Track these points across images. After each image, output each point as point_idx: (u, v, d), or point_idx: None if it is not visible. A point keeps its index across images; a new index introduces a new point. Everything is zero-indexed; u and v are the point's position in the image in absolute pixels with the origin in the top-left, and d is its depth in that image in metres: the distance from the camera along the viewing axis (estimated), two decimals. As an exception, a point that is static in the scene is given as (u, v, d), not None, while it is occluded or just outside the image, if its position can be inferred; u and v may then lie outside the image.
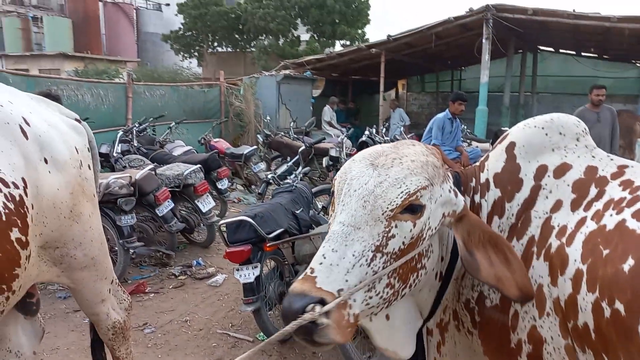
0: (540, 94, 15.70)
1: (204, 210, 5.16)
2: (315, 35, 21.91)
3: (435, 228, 1.30)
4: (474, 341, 1.49)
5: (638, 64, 14.78)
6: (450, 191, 1.32)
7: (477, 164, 1.57)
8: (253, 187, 7.61)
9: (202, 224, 5.43)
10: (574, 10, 9.43)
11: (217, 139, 8.23)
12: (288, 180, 4.23)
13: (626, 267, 1.10)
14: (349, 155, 6.75)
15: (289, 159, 6.06)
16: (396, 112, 12.48)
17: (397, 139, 8.53)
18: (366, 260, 1.17)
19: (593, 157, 1.39)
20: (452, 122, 6.31)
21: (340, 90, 15.46)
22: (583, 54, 14.80)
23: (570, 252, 1.23)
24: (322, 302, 1.08)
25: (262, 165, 7.57)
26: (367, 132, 8.20)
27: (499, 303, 1.37)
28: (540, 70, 15.68)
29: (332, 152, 7.13)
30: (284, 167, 4.90)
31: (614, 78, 14.44)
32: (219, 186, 6.03)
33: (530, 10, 9.73)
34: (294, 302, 1.09)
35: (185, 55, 23.48)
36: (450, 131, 6.33)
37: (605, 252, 1.16)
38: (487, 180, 1.47)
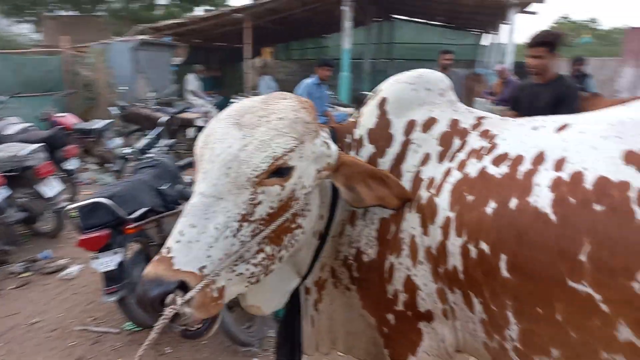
0: (397, 61, 16.77)
1: (48, 196, 4.47)
2: (173, 0, 20.39)
3: (310, 186, 1.25)
4: (352, 297, 1.51)
5: (474, 32, 16.56)
6: (322, 145, 1.27)
7: (352, 119, 1.55)
8: (109, 165, 6.86)
9: (47, 212, 4.72)
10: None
11: (62, 114, 7.19)
12: (150, 155, 3.83)
13: (489, 210, 1.17)
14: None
15: (149, 132, 5.55)
16: (264, 79, 12.27)
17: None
18: (231, 231, 1.11)
19: (455, 110, 1.44)
20: (319, 88, 6.35)
21: (205, 58, 14.73)
22: (433, 22, 16.09)
23: (439, 201, 1.28)
24: (183, 286, 1.03)
25: (119, 141, 6.80)
26: (234, 101, 7.89)
27: (376, 257, 1.39)
28: (396, 38, 16.71)
29: (198, 123, 6.71)
30: (144, 141, 4.45)
31: (456, 45, 16.02)
32: (67, 167, 5.27)
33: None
34: (149, 289, 1.02)
35: (18, 19, 20.15)
36: (318, 96, 6.35)
37: (470, 198, 1.22)
38: (361, 136, 1.47)
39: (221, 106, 9.16)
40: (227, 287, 1.13)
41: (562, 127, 1.21)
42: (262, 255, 1.19)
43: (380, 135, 1.44)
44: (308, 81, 6.31)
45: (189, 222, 1.09)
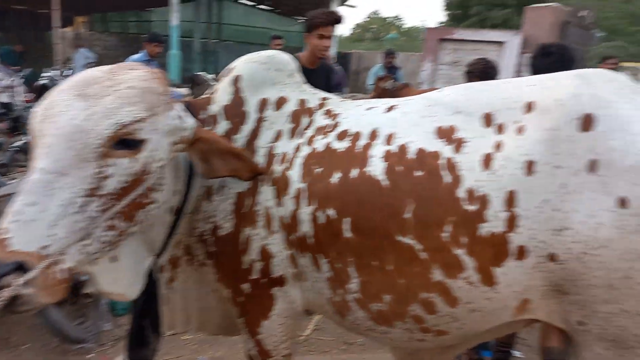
0: (227, 42, 16.61)
1: None
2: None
3: (165, 159, 1.25)
4: (206, 272, 1.56)
5: (301, 20, 17.36)
6: (176, 118, 1.28)
7: (207, 96, 1.58)
8: None
9: None
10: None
11: None
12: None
13: (334, 180, 1.36)
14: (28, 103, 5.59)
15: None
16: (80, 52, 10.92)
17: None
18: (77, 207, 1.07)
19: (302, 91, 1.59)
20: (149, 65, 5.95)
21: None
22: (260, 7, 16.30)
23: (290, 174, 1.42)
24: (22, 267, 0.97)
25: None
26: (48, 74, 6.91)
27: (233, 230, 1.46)
28: (225, 19, 16.48)
29: (2, 98, 5.73)
30: None
31: (284, 31, 16.60)
32: None
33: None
34: None
35: None
36: (147, 74, 6.00)
37: (318, 170, 1.40)
38: (216, 112, 1.51)
39: (30, 80, 7.91)
40: (76, 267, 1.10)
41: (390, 108, 1.46)
42: (113, 232, 1.16)
43: (235, 112, 1.50)
44: (135, 57, 5.88)
45: (28, 200, 1.03)
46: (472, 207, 1.23)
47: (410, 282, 1.31)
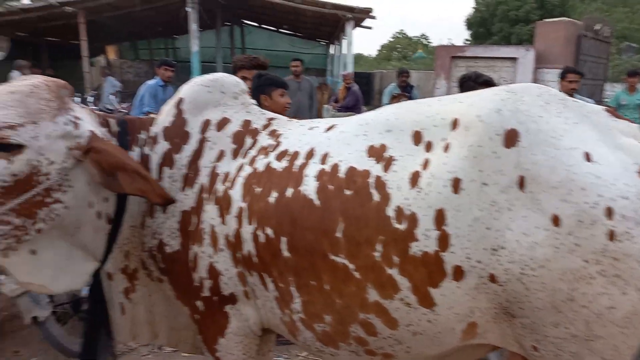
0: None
1: None
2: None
3: (63, 162, 1.30)
4: (166, 288, 1.59)
5: (322, 42, 17.65)
6: (67, 124, 1.32)
7: (151, 117, 1.63)
8: None
9: None
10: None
11: None
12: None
13: (272, 199, 1.38)
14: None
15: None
16: (108, 80, 11.44)
17: (110, 109, 7.88)
18: None
19: (248, 112, 1.61)
20: (165, 90, 6.20)
21: (33, 54, 13.11)
22: (281, 30, 16.70)
23: (233, 194, 1.45)
24: None
25: None
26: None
27: (180, 248, 1.49)
28: (248, 44, 16.92)
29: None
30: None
31: (307, 54, 16.89)
32: None
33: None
34: None
35: None
36: (162, 98, 6.20)
37: (258, 189, 1.41)
38: (156, 133, 1.55)
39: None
40: None
41: (330, 128, 1.46)
42: (8, 226, 1.25)
43: (176, 132, 1.53)
44: (151, 82, 6.12)
45: None
46: (401, 226, 1.21)
47: (348, 302, 1.30)
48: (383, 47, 40.37)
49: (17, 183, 1.23)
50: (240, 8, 12.94)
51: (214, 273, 1.46)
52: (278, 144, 1.49)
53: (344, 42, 11.79)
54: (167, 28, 15.48)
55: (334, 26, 12.44)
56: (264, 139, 1.53)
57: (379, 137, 1.33)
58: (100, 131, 1.43)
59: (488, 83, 3.10)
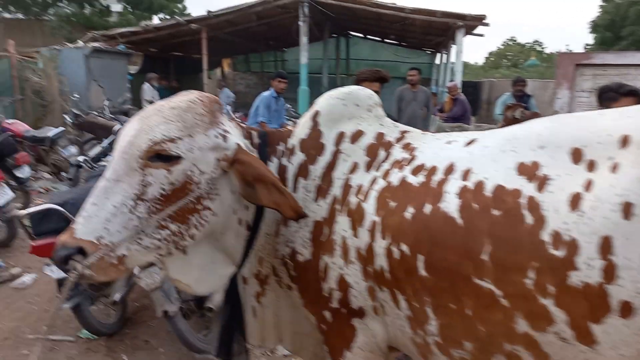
0: (354, 77, 17.15)
1: (-1, 204, 4.38)
2: (128, 7, 20.04)
3: (212, 172, 1.38)
4: (294, 295, 1.61)
5: (428, 51, 17.30)
6: (218, 137, 1.41)
7: (289, 129, 1.68)
8: (63, 174, 6.71)
9: (-1, 220, 4.61)
10: (376, 0, 10.56)
11: (11, 120, 6.99)
12: (103, 163, 3.86)
13: (408, 215, 1.33)
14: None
15: (104, 140, 5.51)
16: (223, 91, 12.33)
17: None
18: (128, 208, 1.28)
19: (381, 125, 1.60)
20: (277, 100, 6.50)
21: (161, 67, 14.57)
22: (386, 40, 16.68)
23: (366, 207, 1.42)
24: (81, 250, 1.22)
25: (73, 149, 6.70)
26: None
27: (311, 257, 1.50)
28: (352, 54, 17.18)
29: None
30: (97, 149, 4.44)
31: (411, 63, 16.67)
32: (18, 174, 5.16)
33: (339, -4, 10.55)
34: (56, 252, 1.24)
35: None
36: (275, 109, 6.52)
37: (393, 204, 1.38)
38: (294, 145, 1.59)
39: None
40: (131, 256, 1.30)
41: (470, 142, 1.37)
42: (166, 231, 1.33)
43: (312, 144, 1.55)
44: (266, 94, 6.45)
45: (91, 201, 1.29)
46: (558, 253, 1.09)
47: (492, 330, 1.21)
48: (491, 54, 38.45)
49: (174, 191, 1.33)
50: (348, 20, 13.16)
51: (343, 285, 1.46)
52: (413, 158, 1.44)
53: (452, 51, 11.43)
54: (278, 41, 16.28)
55: (442, 35, 12.12)
56: (398, 152, 1.50)
57: (531, 153, 1.23)
58: (244, 143, 1.51)
59: (634, 93, 2.78)
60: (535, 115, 6.58)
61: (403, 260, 1.33)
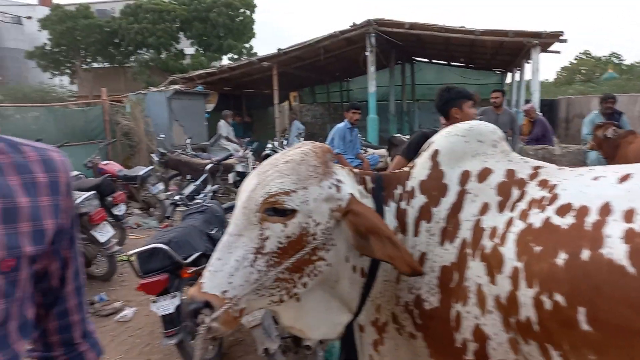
0: (420, 102, 17.05)
1: (102, 241, 4.68)
2: (200, 49, 21.39)
3: (327, 222, 1.37)
4: (418, 345, 1.51)
5: (497, 72, 16.79)
6: (331, 187, 1.39)
7: (406, 170, 1.60)
8: (152, 209, 7.13)
9: (100, 256, 4.93)
10: (444, 25, 10.45)
11: (106, 162, 7.58)
12: (198, 200, 4.02)
13: (560, 261, 1.19)
14: (255, 170, 6.66)
15: (189, 177, 5.79)
16: (294, 124, 12.66)
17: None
18: (249, 262, 1.31)
19: (509, 160, 1.49)
20: (351, 131, 6.54)
21: (234, 104, 15.29)
22: (453, 63, 16.42)
23: (504, 251, 1.30)
24: (208, 304, 1.26)
25: (161, 186, 7.12)
26: (269, 145, 8.19)
27: (440, 305, 1.40)
28: (417, 80, 17.06)
29: (239, 168, 6.98)
30: (191, 187, 4.65)
31: (479, 84, 16.25)
32: (116, 212, 5.54)
33: (407, 25, 10.57)
34: (186, 306, 1.30)
35: (55, 72, 21.41)
36: (350, 140, 6.55)
37: (538, 248, 1.24)
38: (413, 187, 1.52)
39: (258, 150, 9.48)
40: (249, 307, 1.35)
41: (625, 178, 1.24)
42: (283, 283, 1.35)
43: (433, 185, 1.48)
44: (340, 125, 6.51)
45: (216, 256, 1.33)
46: None
47: None
48: (563, 69, 36.60)
49: (290, 244, 1.33)
50: (412, 47, 13.14)
51: (480, 336, 1.34)
52: (555, 197, 1.31)
53: (526, 69, 10.99)
54: (343, 72, 16.54)
55: (513, 54, 11.72)
56: (535, 191, 1.38)
57: None
58: (358, 190, 1.48)
59: None
60: (631, 133, 6.11)
61: (557, 311, 1.19)
